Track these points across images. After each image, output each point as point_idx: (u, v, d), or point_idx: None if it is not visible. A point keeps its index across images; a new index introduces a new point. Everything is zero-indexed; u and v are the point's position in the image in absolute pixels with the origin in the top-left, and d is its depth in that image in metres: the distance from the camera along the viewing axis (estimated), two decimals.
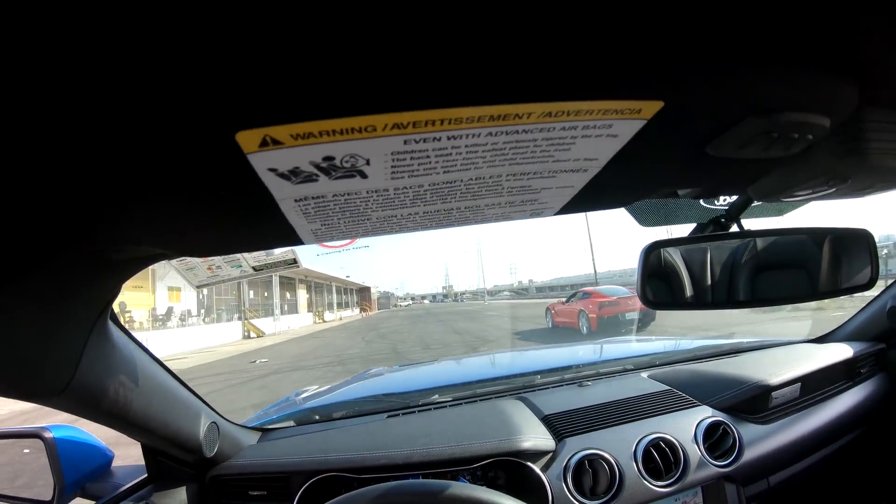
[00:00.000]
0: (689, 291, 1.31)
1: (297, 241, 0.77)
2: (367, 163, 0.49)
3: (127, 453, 1.44)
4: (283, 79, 0.36)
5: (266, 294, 35.44)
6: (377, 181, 0.54)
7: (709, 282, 1.31)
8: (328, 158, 0.47)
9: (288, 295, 39.86)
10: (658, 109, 0.49)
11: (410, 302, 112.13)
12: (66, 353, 0.87)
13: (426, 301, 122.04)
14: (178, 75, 0.34)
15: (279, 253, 1.34)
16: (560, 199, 0.74)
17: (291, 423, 2.01)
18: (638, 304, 13.73)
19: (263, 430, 1.89)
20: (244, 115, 0.40)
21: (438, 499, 1.17)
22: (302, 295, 43.39)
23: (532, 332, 17.11)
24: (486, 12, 0.33)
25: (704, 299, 1.33)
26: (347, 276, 55.34)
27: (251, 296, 33.17)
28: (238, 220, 0.66)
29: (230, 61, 0.34)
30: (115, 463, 1.57)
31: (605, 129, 0.51)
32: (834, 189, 0.83)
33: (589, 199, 0.78)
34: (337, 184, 0.53)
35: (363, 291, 72.69)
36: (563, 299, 18.74)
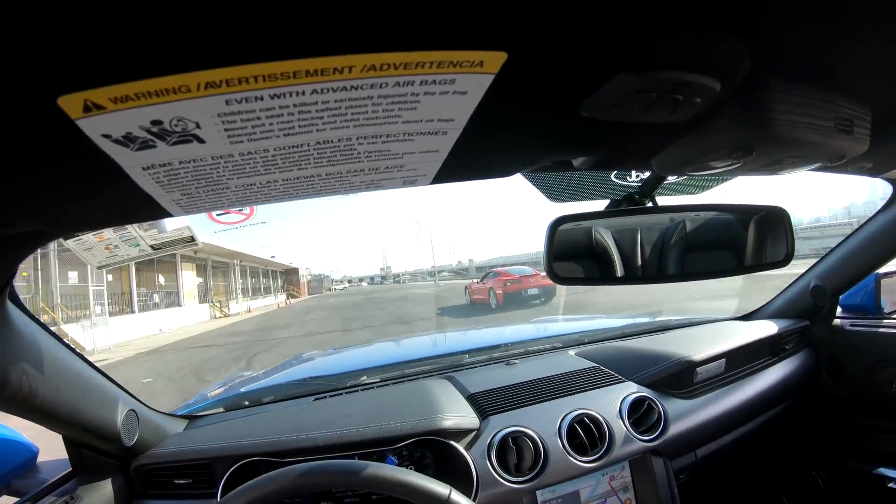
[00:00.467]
0: (619, 269, 1.32)
1: (164, 213, 0.74)
2: (198, 125, 0.47)
3: (56, 447, 1.36)
4: (89, 38, 0.35)
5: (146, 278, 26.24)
6: (217, 146, 0.53)
7: (639, 260, 1.33)
8: (156, 122, 0.46)
9: (162, 279, 28.32)
10: (503, 62, 0.46)
11: (347, 285, 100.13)
12: None
13: (364, 283, 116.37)
14: None
15: (173, 230, 1.30)
16: (429, 164, 0.71)
17: (220, 409, 1.97)
18: (539, 281, 16.13)
19: (191, 418, 1.84)
20: (61, 80, 0.39)
21: (352, 479, 1.15)
22: (189, 278, 31.42)
23: (453, 307, 19.39)
24: None
25: (634, 275, 1.34)
26: (272, 257, 50.56)
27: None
28: (96, 190, 0.65)
29: (33, 20, 0.33)
30: (43, 458, 1.53)
31: (448, 86, 0.48)
32: (741, 162, 0.81)
33: (465, 166, 0.76)
34: (177, 150, 0.52)
35: (290, 274, 64.46)
36: (478, 279, 21.50)
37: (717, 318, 2.57)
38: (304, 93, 0.45)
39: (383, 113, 0.52)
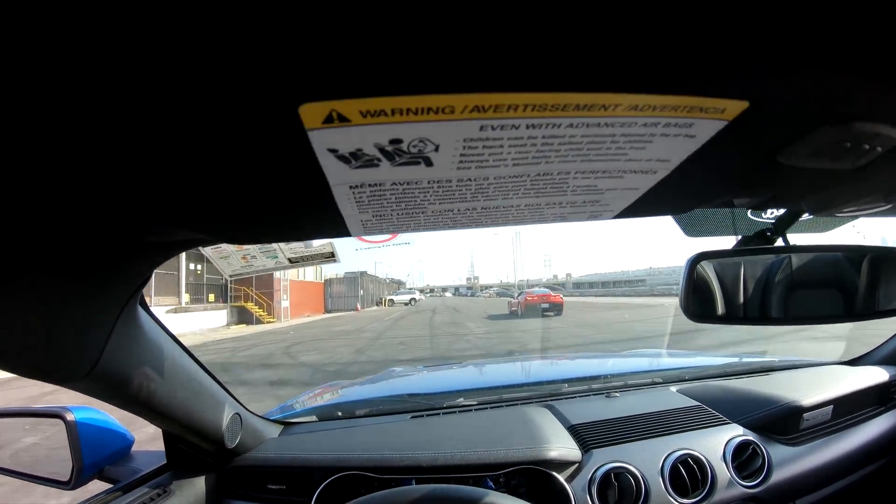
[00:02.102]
0: (720, 308, 1.28)
1: (345, 233, 0.73)
2: (436, 149, 0.45)
3: (148, 437, 1.43)
4: (357, 47, 0.33)
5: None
6: (442, 171, 0.51)
7: (741, 298, 1.29)
8: (395, 141, 0.43)
9: None
10: (742, 110, 0.46)
11: (419, 296, 68.77)
12: (93, 337, 0.85)
13: (448, 294, 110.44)
14: (240, 37, 0.31)
15: (317, 245, 1.32)
16: (621, 201, 0.71)
17: (314, 417, 2.01)
18: (549, 298, 21.81)
19: (286, 424, 1.89)
20: (311, 86, 0.36)
21: None
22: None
23: (499, 314, 26.51)
24: None
25: (736, 314, 1.30)
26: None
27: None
28: (286, 206, 0.63)
29: (297, 22, 0.30)
30: (136, 447, 1.58)
31: (684, 129, 0.48)
32: (890, 206, 0.82)
33: (648, 203, 0.75)
34: (398, 171, 0.50)
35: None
36: (516, 297, 30.10)
37: (823, 361, 2.44)
38: (560, 125, 0.44)
39: (615, 150, 0.51)
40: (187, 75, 0.33)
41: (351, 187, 0.53)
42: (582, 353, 6.34)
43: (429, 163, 0.48)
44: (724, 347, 8.84)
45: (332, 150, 0.44)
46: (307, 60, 0.33)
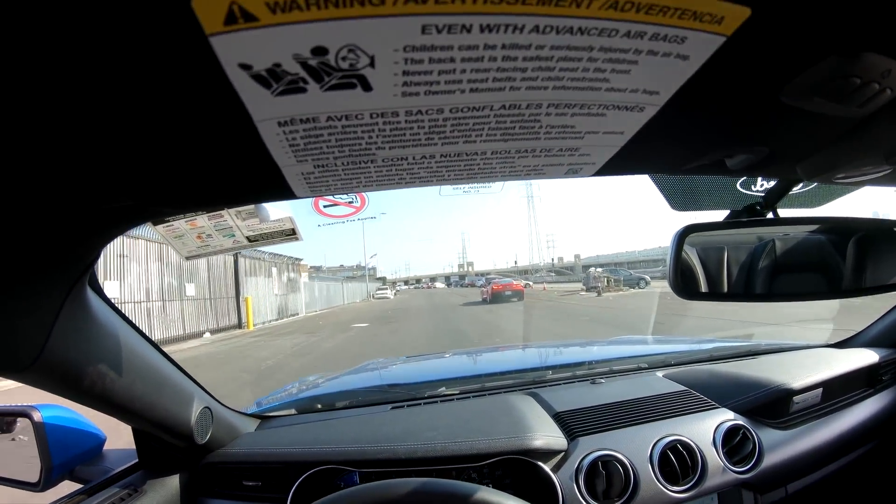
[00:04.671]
0: (703, 289, 1.27)
1: (289, 193, 0.65)
2: (371, 63, 0.37)
3: (124, 435, 1.40)
4: None
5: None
6: (384, 97, 0.43)
7: (725, 280, 1.28)
8: (319, 51, 0.35)
9: None
10: (743, 21, 0.39)
11: (390, 293, 58.84)
12: (35, 322, 0.79)
13: (438, 284, 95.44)
14: None
15: (274, 221, 1.25)
16: (605, 150, 0.63)
17: (293, 411, 1.98)
18: (513, 286, 29.68)
19: (263, 418, 1.86)
20: None
21: (467, 502, 1.12)
22: None
23: (471, 301, 28.93)
24: None
25: (723, 291, 1.29)
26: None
27: None
28: (215, 158, 0.55)
29: None
30: (109, 446, 1.54)
31: (676, 45, 0.41)
32: (889, 170, 0.77)
33: (635, 156, 0.69)
34: (331, 98, 0.42)
35: None
36: (485, 285, 32.16)
37: (810, 343, 2.43)
38: (522, 28, 0.36)
39: (593, 73, 0.44)
40: None
41: (280, 124, 0.45)
42: (567, 341, 6.34)
43: (366, 85, 0.40)
44: (711, 333, 8.90)
45: (245, 67, 0.36)
46: None
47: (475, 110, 0.48)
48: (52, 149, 0.48)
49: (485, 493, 1.13)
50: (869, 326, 2.30)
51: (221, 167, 0.58)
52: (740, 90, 0.55)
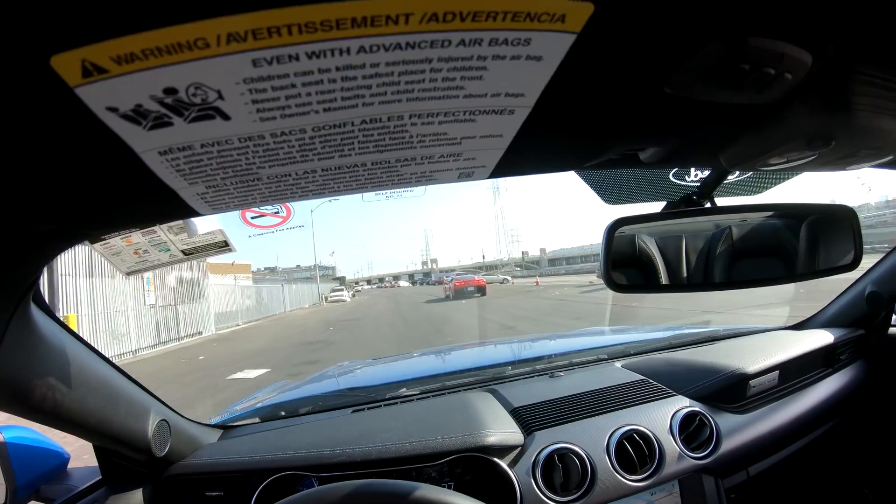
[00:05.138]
0: (664, 278, 1.27)
1: (190, 211, 0.66)
2: (220, 95, 0.40)
3: (89, 453, 1.36)
4: None
5: None
6: (244, 124, 0.45)
7: (684, 268, 1.28)
8: (170, 91, 0.38)
9: None
10: (588, 15, 0.38)
11: (346, 295, 51.18)
12: None
13: (402, 283, 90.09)
14: None
15: (204, 234, 1.26)
16: (490, 153, 0.63)
17: (256, 419, 1.96)
18: (474, 282, 30.02)
19: (225, 428, 1.84)
20: (53, 33, 0.32)
21: (406, 501, 1.12)
22: None
23: (434, 298, 28.95)
24: None
25: (680, 283, 1.31)
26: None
27: None
28: (111, 183, 0.57)
29: None
30: (75, 464, 1.52)
31: (522, 48, 0.40)
32: (816, 155, 0.76)
33: (530, 155, 0.69)
34: (197, 128, 0.44)
35: None
36: (448, 282, 32.58)
37: (767, 327, 2.48)
38: (348, 50, 0.37)
39: (443, 83, 0.44)
40: None
41: (161, 153, 0.48)
42: (528, 336, 6.42)
43: (224, 115, 0.43)
44: (669, 321, 9.05)
45: (112, 109, 0.39)
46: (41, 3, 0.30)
47: (337, 127, 0.49)
48: None
49: (425, 490, 1.13)
50: (825, 307, 2.35)
51: (126, 192, 0.61)
52: (617, 84, 0.54)
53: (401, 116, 0.49)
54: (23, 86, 0.37)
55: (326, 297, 43.84)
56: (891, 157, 0.82)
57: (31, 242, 0.73)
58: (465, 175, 0.70)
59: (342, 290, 52.52)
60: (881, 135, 0.70)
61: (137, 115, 0.41)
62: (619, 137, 0.75)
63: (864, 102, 0.62)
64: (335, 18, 0.34)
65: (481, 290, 28.14)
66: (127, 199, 0.64)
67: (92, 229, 0.83)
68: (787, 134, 0.70)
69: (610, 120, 0.66)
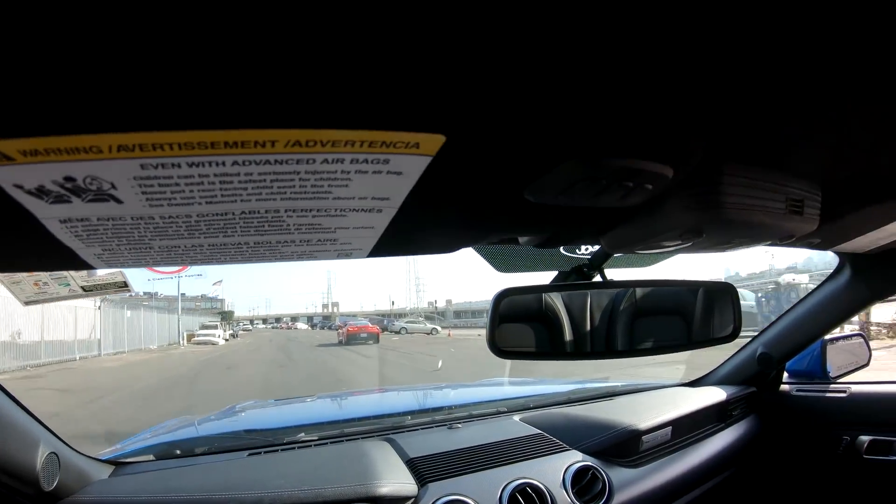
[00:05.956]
0: (568, 336, 1.32)
1: (85, 265, 0.70)
2: (113, 186, 0.44)
3: None
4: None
5: None
6: (135, 208, 0.49)
7: (588, 327, 1.33)
8: (69, 179, 0.43)
9: None
10: (441, 145, 0.43)
11: (218, 337, 33.26)
12: None
13: (300, 325, 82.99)
14: None
15: (105, 273, 1.25)
16: (364, 240, 0.68)
17: (151, 456, 1.86)
18: (368, 329, 28.07)
19: (118, 464, 1.72)
20: None
21: None
22: None
23: (326, 343, 27.55)
24: (220, 19, 0.28)
25: (581, 349, 1.37)
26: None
27: None
28: (13, 235, 0.59)
29: None
30: None
31: (382, 165, 0.45)
32: (691, 243, 0.81)
33: (404, 242, 0.72)
34: (94, 207, 0.48)
35: None
36: (341, 327, 31.41)
37: (664, 383, 2.58)
38: (224, 163, 0.42)
39: (312, 189, 0.49)
40: None
41: (61, 221, 0.52)
42: (430, 384, 6.44)
43: (117, 200, 0.47)
44: (571, 376, 9.16)
45: (19, 186, 0.43)
46: None
47: (219, 216, 0.53)
48: None
49: None
50: (719, 366, 2.48)
51: (29, 246, 0.64)
52: (479, 192, 0.59)
53: (277, 210, 0.53)
54: None
55: (191, 337, 32.58)
56: (769, 243, 0.88)
57: None
58: (344, 255, 0.74)
59: (215, 326, 38.12)
60: (751, 227, 0.74)
61: (40, 193, 0.44)
62: (491, 232, 0.80)
63: (731, 200, 0.66)
64: (210, 141, 0.39)
65: (374, 337, 27.12)
66: (30, 251, 0.67)
67: None
68: (660, 227, 0.75)
69: (478, 218, 0.71)
